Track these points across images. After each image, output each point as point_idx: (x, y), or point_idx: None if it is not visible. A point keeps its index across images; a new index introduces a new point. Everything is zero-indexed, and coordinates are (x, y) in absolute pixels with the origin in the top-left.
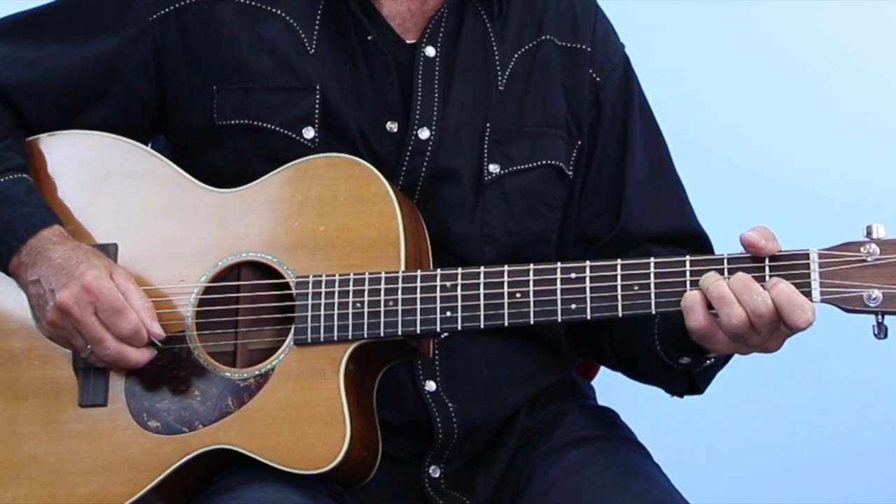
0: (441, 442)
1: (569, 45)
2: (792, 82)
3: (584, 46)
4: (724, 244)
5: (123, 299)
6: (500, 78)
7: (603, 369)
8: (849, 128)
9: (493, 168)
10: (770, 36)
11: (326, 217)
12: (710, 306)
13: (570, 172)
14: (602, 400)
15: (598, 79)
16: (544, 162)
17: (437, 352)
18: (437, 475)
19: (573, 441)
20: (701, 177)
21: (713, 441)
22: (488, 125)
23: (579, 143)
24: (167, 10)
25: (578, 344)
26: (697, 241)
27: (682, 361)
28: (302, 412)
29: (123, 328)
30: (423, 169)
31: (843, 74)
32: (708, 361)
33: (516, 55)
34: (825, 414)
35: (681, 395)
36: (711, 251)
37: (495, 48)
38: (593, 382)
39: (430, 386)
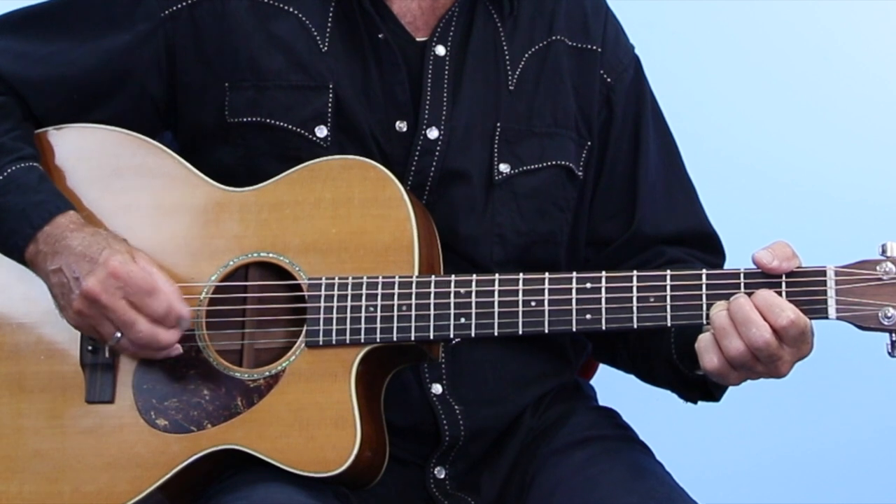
0: (447, 444)
1: (579, 45)
2: (791, 83)
3: (594, 47)
4: (727, 243)
5: (152, 280)
6: (510, 77)
7: (601, 370)
8: (853, 128)
9: (504, 168)
10: (772, 36)
11: (340, 219)
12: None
13: (579, 173)
14: (602, 401)
15: (608, 80)
16: (554, 162)
17: (443, 355)
18: (442, 476)
19: (578, 441)
20: (702, 177)
21: (714, 441)
22: (498, 125)
23: (589, 143)
24: (179, 6)
25: (593, 346)
26: (709, 242)
27: (698, 372)
28: (312, 414)
29: (156, 308)
30: (433, 169)
31: (843, 75)
32: None
33: (526, 55)
34: (828, 413)
35: (695, 402)
36: (722, 252)
37: (505, 47)
38: (592, 382)
39: (437, 389)
